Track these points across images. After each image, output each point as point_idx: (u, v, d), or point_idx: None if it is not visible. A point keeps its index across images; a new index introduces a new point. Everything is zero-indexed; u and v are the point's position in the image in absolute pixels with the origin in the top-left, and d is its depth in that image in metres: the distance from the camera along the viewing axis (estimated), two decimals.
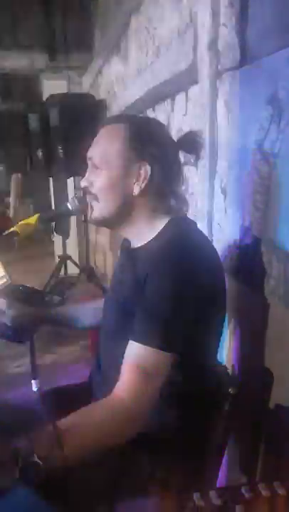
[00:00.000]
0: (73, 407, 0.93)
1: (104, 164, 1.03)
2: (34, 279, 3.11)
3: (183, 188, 1.84)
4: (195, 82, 1.60)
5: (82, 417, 0.91)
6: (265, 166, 1.20)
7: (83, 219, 3.49)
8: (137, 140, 1.01)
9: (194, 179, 1.70)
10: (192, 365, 0.99)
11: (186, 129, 1.87)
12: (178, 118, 1.99)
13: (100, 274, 3.96)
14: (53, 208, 3.88)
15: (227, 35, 1.35)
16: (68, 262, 3.80)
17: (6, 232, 1.10)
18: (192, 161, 1.14)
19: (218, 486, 1.11)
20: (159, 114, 2.30)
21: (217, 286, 1.01)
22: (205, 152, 1.52)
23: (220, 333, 1.08)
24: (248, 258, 1.32)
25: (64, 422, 0.88)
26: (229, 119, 1.41)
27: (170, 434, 1.01)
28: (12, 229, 1.11)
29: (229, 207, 1.46)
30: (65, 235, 3.79)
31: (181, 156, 1.11)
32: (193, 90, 1.73)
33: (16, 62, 4.39)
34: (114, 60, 3.37)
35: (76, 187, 3.96)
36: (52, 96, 3.42)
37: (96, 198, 1.05)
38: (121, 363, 0.94)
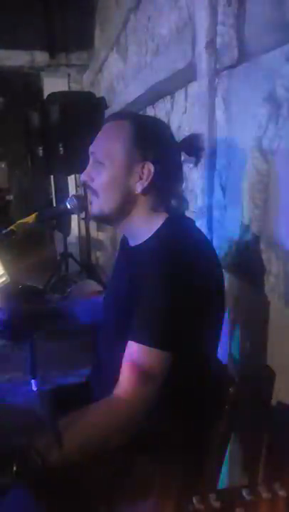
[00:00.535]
0: (73, 407, 0.93)
1: (107, 160, 1.02)
2: (35, 277, 3.11)
3: (183, 185, 1.84)
4: (194, 80, 1.60)
5: (81, 417, 0.91)
6: (264, 164, 1.20)
7: (83, 216, 3.49)
8: (143, 139, 1.01)
9: (194, 176, 1.71)
10: (191, 364, 0.99)
11: (185, 127, 1.88)
12: (177, 116, 2.00)
13: (101, 272, 3.96)
14: (54, 205, 3.89)
15: (225, 33, 1.34)
16: (69, 259, 3.81)
17: (4, 231, 1.11)
18: (192, 165, 1.14)
19: (219, 487, 1.11)
20: (158, 111, 2.30)
21: (215, 284, 1.01)
22: (204, 150, 1.52)
23: (219, 332, 1.08)
24: (248, 255, 1.33)
25: (63, 422, 0.88)
26: (228, 117, 1.41)
27: (169, 434, 1.01)
28: (10, 228, 1.11)
29: (228, 204, 1.47)
30: (66, 232, 3.79)
31: (182, 155, 1.11)
32: (193, 88, 1.73)
33: (16, 60, 4.39)
34: (114, 58, 3.37)
35: (78, 184, 3.97)
36: (52, 94, 3.42)
37: (96, 194, 1.04)
38: (120, 362, 0.94)
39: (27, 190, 5.84)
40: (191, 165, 1.73)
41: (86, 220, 3.59)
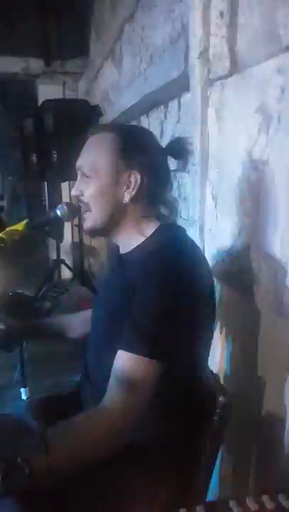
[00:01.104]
0: (63, 417, 0.92)
1: (93, 174, 1.03)
2: (27, 284, 3.10)
3: (176, 194, 1.85)
4: (187, 90, 1.62)
5: (68, 427, 0.90)
6: (255, 174, 1.21)
7: (77, 223, 3.49)
8: (126, 150, 1.02)
9: (187, 186, 1.71)
10: (181, 374, 0.98)
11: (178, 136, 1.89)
12: (171, 125, 2.01)
13: (94, 279, 3.95)
14: (47, 212, 3.87)
15: (218, 44, 1.36)
16: (62, 266, 3.79)
17: None
18: (181, 165, 1.14)
19: (208, 499, 1.10)
20: (152, 121, 2.31)
21: (205, 293, 1.01)
22: (196, 160, 1.53)
23: (209, 341, 1.08)
24: (239, 265, 1.33)
25: (50, 432, 0.87)
26: (220, 127, 1.42)
27: (158, 445, 1.00)
28: None
29: (220, 213, 1.47)
30: (59, 239, 3.78)
31: (175, 163, 1.12)
32: (186, 98, 1.75)
33: (11, 67, 4.40)
34: (109, 67, 3.39)
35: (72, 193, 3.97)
36: (47, 101, 3.43)
37: (88, 207, 1.05)
38: (109, 372, 0.93)
39: (20, 197, 5.83)
40: (185, 173, 1.75)
41: (79, 226, 3.58)
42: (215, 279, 1.42)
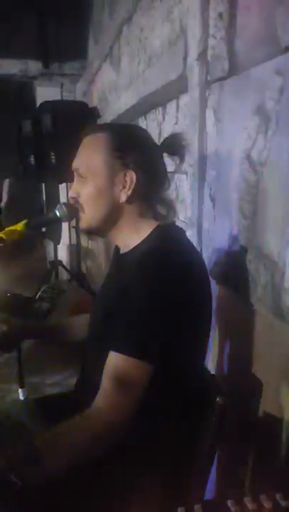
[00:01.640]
0: (61, 417, 0.92)
1: (89, 174, 1.04)
2: (24, 285, 3.09)
3: (173, 195, 1.85)
4: (185, 91, 1.62)
5: (60, 431, 0.90)
6: (253, 175, 1.21)
7: (74, 224, 3.49)
8: (121, 149, 1.02)
9: (184, 187, 1.71)
10: (174, 374, 0.98)
11: None
12: (169, 127, 2.01)
13: (92, 281, 3.95)
14: (45, 213, 3.88)
15: (216, 46, 1.36)
16: (59, 268, 3.79)
17: None
18: (177, 162, 1.13)
19: (205, 498, 1.09)
20: (150, 122, 2.31)
21: (201, 294, 1.01)
22: (194, 161, 1.53)
23: (206, 342, 1.08)
24: (236, 266, 1.33)
25: (42, 438, 0.87)
26: (218, 129, 1.43)
27: (154, 446, 1.00)
28: None
29: (218, 215, 1.47)
30: (57, 240, 3.78)
31: (173, 164, 1.12)
32: (184, 100, 1.75)
33: (9, 68, 4.40)
34: (106, 69, 3.39)
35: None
36: (45, 103, 3.43)
37: (83, 208, 1.06)
38: None
39: (18, 198, 5.83)
40: (183, 175, 1.75)
41: (77, 228, 3.58)
42: (212, 281, 1.43)
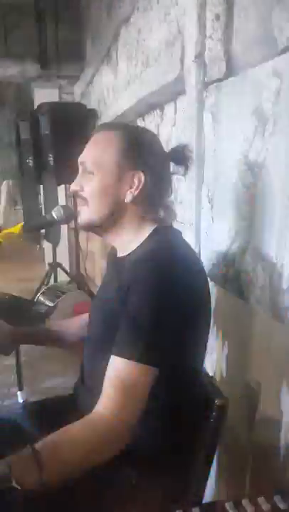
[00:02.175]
0: (59, 420, 0.91)
1: (97, 169, 1.03)
2: (24, 287, 3.09)
3: (172, 197, 1.85)
4: (183, 93, 1.62)
5: (62, 436, 0.88)
6: (250, 176, 1.21)
7: (73, 226, 3.48)
8: (133, 149, 1.02)
9: (183, 189, 1.71)
10: (176, 377, 0.97)
11: (174, 139, 1.89)
12: (167, 128, 2.01)
13: (91, 283, 3.94)
14: (43, 215, 3.87)
15: (213, 47, 1.36)
16: (58, 269, 3.79)
17: None
18: (181, 172, 1.14)
19: (204, 501, 1.09)
20: (148, 123, 2.31)
21: (200, 296, 1.00)
22: (192, 162, 1.53)
23: (205, 344, 1.08)
24: (234, 267, 1.33)
25: (43, 443, 0.85)
26: (215, 130, 1.43)
27: (154, 448, 0.99)
28: None
29: (216, 216, 1.47)
30: (56, 242, 3.78)
31: (171, 166, 1.12)
32: (182, 101, 1.75)
33: (7, 70, 4.40)
34: (105, 70, 3.39)
35: (68, 195, 3.97)
36: (43, 104, 3.43)
37: (86, 202, 1.04)
38: (104, 376, 0.91)
39: (16, 200, 5.83)
40: (181, 176, 1.75)
41: (75, 230, 3.58)
42: (211, 282, 1.43)
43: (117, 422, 0.88)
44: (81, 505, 0.98)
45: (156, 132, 2.10)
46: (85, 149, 1.07)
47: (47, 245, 4.45)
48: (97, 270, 4.19)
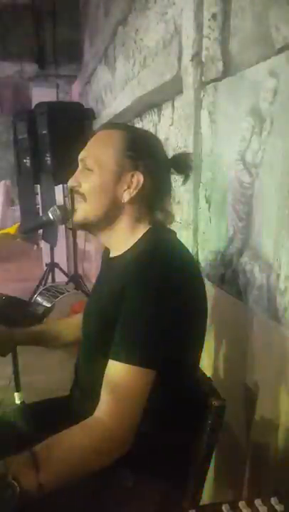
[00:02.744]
0: (56, 422, 0.90)
1: (97, 167, 1.02)
2: (21, 287, 3.09)
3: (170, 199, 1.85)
4: (180, 92, 1.62)
5: (60, 441, 0.87)
6: (248, 176, 1.21)
7: (70, 227, 3.48)
8: (134, 149, 1.01)
9: (180, 188, 1.71)
10: (173, 379, 0.96)
11: (172, 139, 1.89)
12: (164, 128, 2.01)
13: (88, 283, 3.94)
14: (39, 216, 3.87)
15: (210, 46, 1.36)
16: (56, 269, 3.79)
17: None
18: (179, 177, 1.13)
19: (201, 503, 1.09)
20: (146, 123, 2.31)
21: (195, 297, 1.00)
22: (192, 168, 1.53)
23: (201, 345, 1.07)
24: (232, 268, 1.33)
25: (41, 447, 0.85)
26: (213, 130, 1.42)
27: (151, 449, 0.98)
28: None
29: (213, 216, 1.47)
30: (53, 242, 3.77)
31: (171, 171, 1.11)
32: (179, 101, 1.75)
33: (5, 70, 4.40)
34: (102, 70, 3.39)
35: (65, 195, 3.97)
36: (40, 104, 3.43)
37: (84, 199, 1.03)
38: (99, 377, 0.91)
39: (13, 200, 5.83)
40: (179, 177, 1.74)
41: (73, 230, 3.57)
42: (208, 282, 1.42)
43: (116, 427, 0.87)
44: (78, 507, 0.97)
45: (153, 132, 2.10)
46: (86, 146, 1.07)
47: (44, 245, 4.45)
48: (94, 270, 4.18)
